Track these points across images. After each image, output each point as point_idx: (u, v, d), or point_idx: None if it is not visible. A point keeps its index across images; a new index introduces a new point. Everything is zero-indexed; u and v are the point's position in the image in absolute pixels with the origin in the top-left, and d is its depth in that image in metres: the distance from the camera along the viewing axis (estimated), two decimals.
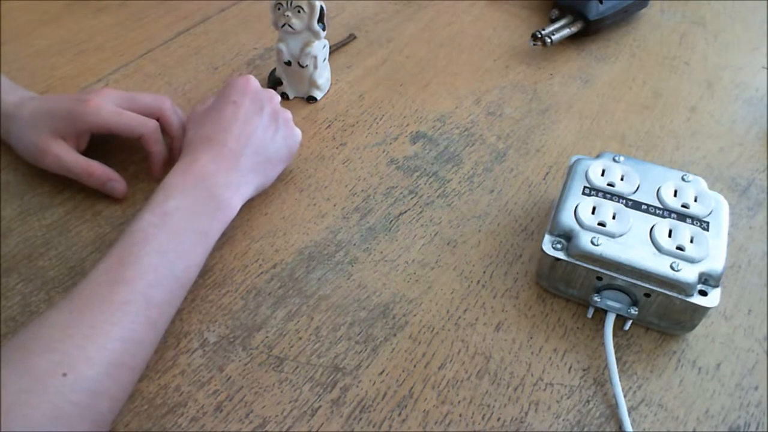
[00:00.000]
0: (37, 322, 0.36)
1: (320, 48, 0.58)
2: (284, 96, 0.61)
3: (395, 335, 0.44)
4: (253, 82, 0.50)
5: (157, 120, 0.51)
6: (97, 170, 0.50)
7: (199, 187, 0.44)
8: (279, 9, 0.55)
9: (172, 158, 0.52)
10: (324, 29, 0.56)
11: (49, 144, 0.49)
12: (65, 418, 0.34)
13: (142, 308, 0.38)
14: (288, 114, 0.52)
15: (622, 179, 0.46)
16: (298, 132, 0.53)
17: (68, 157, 0.49)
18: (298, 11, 0.55)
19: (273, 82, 0.61)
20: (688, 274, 0.41)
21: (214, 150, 0.46)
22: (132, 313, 0.38)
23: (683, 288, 0.41)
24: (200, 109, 0.50)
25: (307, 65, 0.58)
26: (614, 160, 0.48)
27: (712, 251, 0.42)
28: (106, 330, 0.37)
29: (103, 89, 0.51)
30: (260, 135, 0.48)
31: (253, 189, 0.49)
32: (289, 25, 0.55)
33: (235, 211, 0.46)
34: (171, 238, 0.41)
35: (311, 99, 0.61)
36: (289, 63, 0.58)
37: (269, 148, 0.49)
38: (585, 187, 0.46)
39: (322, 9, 0.55)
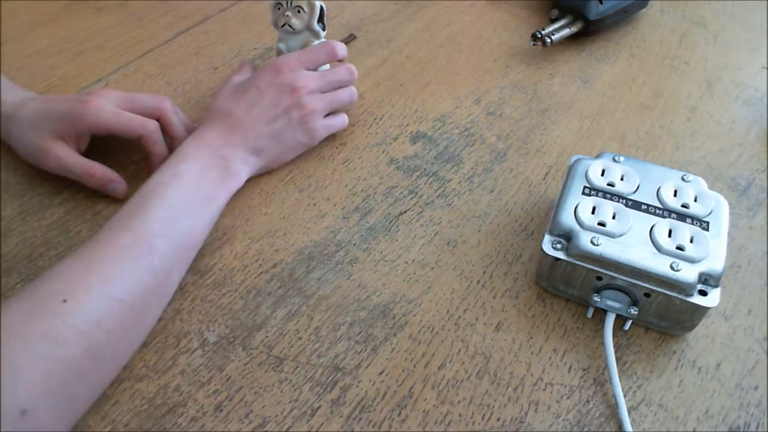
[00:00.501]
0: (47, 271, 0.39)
1: None
2: None
3: (395, 335, 0.44)
4: (283, 74, 0.52)
5: (158, 120, 0.51)
6: (97, 171, 0.50)
7: (209, 156, 0.48)
8: (279, 9, 0.55)
9: None
10: (324, 29, 0.56)
11: (49, 145, 0.49)
12: (60, 339, 0.35)
13: (145, 252, 0.40)
14: (306, 110, 0.53)
15: (622, 179, 0.46)
16: (318, 130, 0.54)
17: (69, 158, 0.49)
18: (298, 11, 0.55)
19: None
20: (688, 274, 0.41)
21: (228, 124, 0.50)
22: (134, 255, 0.40)
23: (683, 288, 0.41)
24: (236, 81, 0.54)
25: None
26: (614, 160, 0.48)
27: (712, 251, 0.42)
28: (107, 265, 0.39)
29: (103, 90, 0.51)
30: (271, 124, 0.51)
31: (261, 166, 0.52)
32: (289, 25, 0.55)
33: (241, 182, 0.51)
34: (178, 196, 0.44)
35: None
36: None
37: (278, 137, 0.52)
38: (585, 187, 0.46)
39: (322, 9, 0.55)
